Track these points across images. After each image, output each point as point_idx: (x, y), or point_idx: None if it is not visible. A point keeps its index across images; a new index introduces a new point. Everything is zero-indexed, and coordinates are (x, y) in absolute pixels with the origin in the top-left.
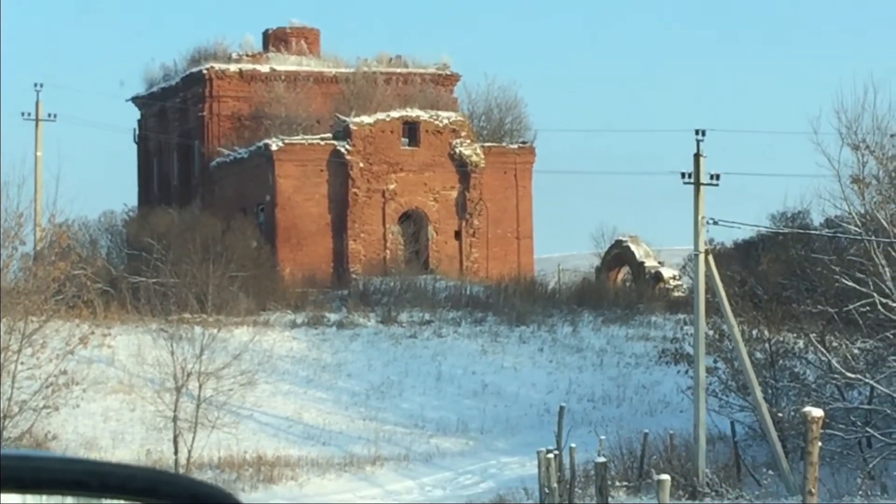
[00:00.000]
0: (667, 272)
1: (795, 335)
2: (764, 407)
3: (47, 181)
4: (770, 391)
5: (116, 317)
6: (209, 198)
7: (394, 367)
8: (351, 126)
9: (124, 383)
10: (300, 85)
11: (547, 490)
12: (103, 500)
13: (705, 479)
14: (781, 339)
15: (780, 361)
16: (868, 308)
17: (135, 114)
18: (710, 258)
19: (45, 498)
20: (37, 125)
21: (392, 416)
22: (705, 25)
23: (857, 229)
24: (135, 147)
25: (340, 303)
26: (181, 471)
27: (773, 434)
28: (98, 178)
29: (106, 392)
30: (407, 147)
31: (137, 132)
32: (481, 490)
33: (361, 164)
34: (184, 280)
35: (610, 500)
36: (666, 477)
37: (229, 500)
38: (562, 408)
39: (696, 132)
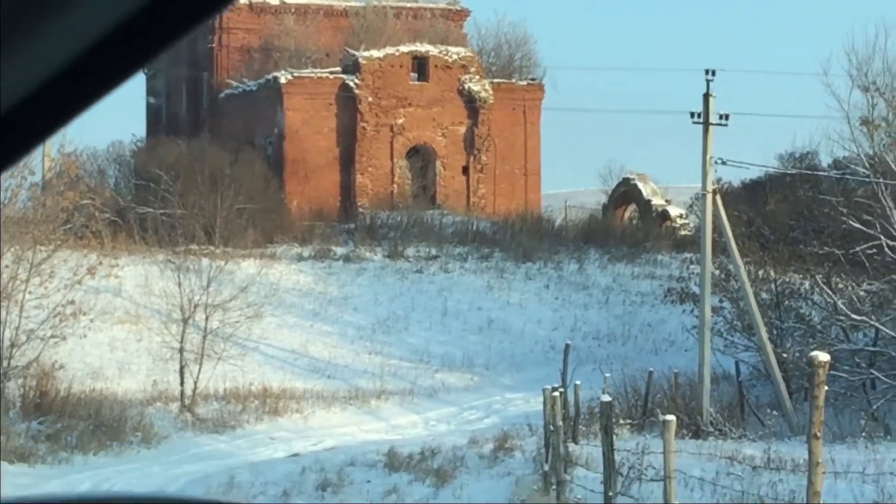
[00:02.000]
0: (674, 211)
1: (801, 276)
2: (769, 347)
3: None
4: (775, 332)
5: (124, 247)
6: (217, 130)
7: (400, 302)
8: (360, 60)
9: (131, 314)
10: (310, 18)
11: (552, 428)
12: None
13: (709, 419)
14: (787, 279)
15: (786, 302)
16: (875, 250)
17: None
18: (718, 198)
19: None
20: None
21: (397, 350)
22: None
23: (865, 171)
24: (143, 78)
25: (347, 237)
26: (187, 402)
27: (778, 374)
28: (107, 109)
29: (113, 322)
30: (416, 82)
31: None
32: (485, 426)
33: (370, 99)
34: (191, 212)
35: (614, 438)
36: (671, 418)
37: None
38: (567, 345)
39: (706, 72)
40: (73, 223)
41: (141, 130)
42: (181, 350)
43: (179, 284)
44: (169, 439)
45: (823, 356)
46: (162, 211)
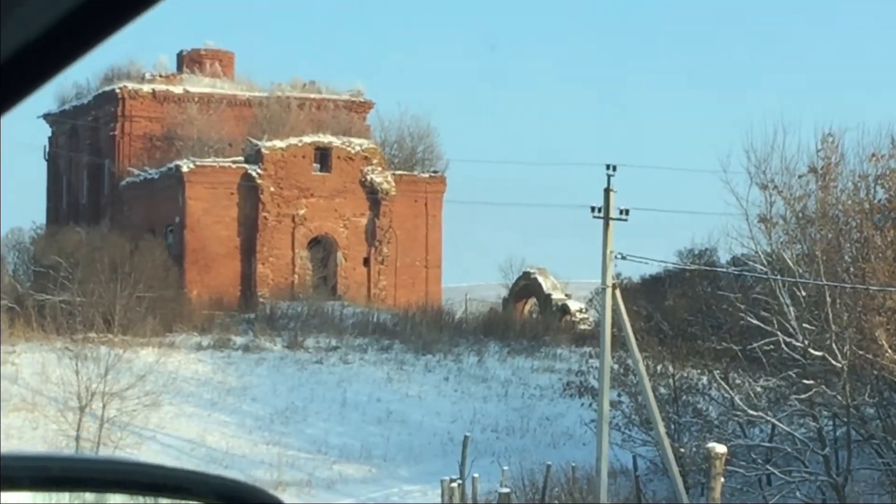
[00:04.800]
0: (574, 305)
1: (699, 371)
2: (666, 442)
3: None
4: (673, 426)
5: (21, 334)
6: (118, 218)
7: (299, 393)
8: (263, 150)
9: (28, 401)
10: (213, 107)
11: None
12: (139, 500)
13: None
14: (685, 374)
15: (684, 397)
16: (772, 346)
17: (46, 131)
18: (618, 292)
19: (83, 497)
20: None
21: (296, 441)
22: (617, 59)
23: (762, 268)
24: (45, 164)
25: (247, 326)
26: None
27: (675, 469)
28: (6, 195)
29: (9, 409)
30: (318, 172)
31: (48, 149)
32: None
33: (272, 189)
34: (90, 299)
35: None
36: None
37: (264, 496)
38: (466, 437)
39: (607, 167)
40: None
41: (41, 218)
42: (77, 438)
43: (77, 372)
44: None
45: (720, 448)
46: (61, 298)
